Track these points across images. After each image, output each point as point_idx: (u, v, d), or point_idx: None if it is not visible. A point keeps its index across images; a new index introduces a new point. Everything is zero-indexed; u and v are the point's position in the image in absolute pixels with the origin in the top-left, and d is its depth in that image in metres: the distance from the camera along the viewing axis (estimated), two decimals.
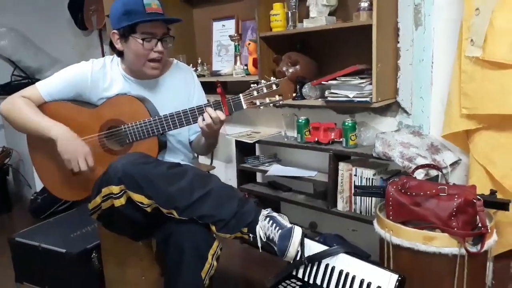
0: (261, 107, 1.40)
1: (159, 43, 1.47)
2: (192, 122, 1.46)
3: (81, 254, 1.90)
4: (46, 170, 1.62)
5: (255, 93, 1.39)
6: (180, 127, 1.47)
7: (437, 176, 1.73)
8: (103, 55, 3.58)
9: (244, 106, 1.40)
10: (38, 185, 3.13)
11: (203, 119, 1.41)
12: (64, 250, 1.91)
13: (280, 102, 1.40)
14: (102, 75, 1.55)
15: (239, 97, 1.40)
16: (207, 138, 1.57)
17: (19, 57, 3.54)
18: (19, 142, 3.24)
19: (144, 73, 1.52)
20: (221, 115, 1.40)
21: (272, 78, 1.41)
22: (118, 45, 1.50)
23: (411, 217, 1.43)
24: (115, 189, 1.33)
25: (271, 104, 1.40)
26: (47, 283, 2.03)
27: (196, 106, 1.44)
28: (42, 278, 2.04)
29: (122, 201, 1.34)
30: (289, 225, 1.33)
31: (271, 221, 1.34)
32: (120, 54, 1.54)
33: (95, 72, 1.54)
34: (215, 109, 1.41)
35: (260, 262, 2.22)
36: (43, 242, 1.99)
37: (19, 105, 1.50)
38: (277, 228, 1.32)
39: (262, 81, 1.40)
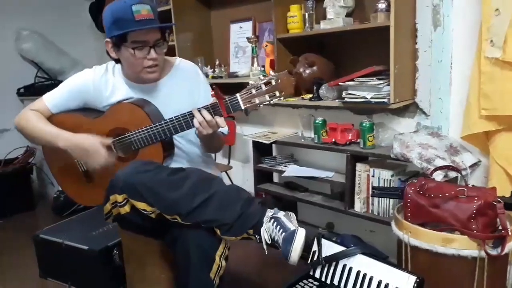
0: (260, 106, 1.32)
1: (152, 50, 1.42)
2: (192, 126, 1.40)
3: (102, 251, 1.95)
4: (64, 179, 1.66)
5: (253, 91, 1.30)
6: (180, 132, 1.43)
7: (456, 177, 1.72)
8: None
9: (243, 106, 1.32)
10: None
11: (197, 120, 1.36)
12: (86, 247, 1.96)
13: (281, 99, 1.32)
14: (104, 81, 1.54)
15: (236, 97, 1.32)
16: (203, 140, 1.52)
17: (42, 59, 3.62)
18: None
19: (143, 78, 1.50)
20: (219, 120, 1.35)
21: (270, 72, 1.35)
22: (113, 54, 1.48)
23: (430, 219, 1.42)
24: (119, 197, 1.35)
25: (271, 102, 1.31)
26: (69, 279, 2.09)
27: (197, 109, 1.37)
28: (65, 274, 2.10)
29: (126, 209, 1.36)
30: (292, 228, 1.30)
31: (275, 223, 1.32)
32: (118, 61, 1.52)
33: (97, 79, 1.53)
34: (214, 112, 1.35)
35: (275, 261, 2.22)
36: (66, 239, 2.05)
37: (29, 118, 1.52)
38: (281, 230, 1.30)
39: (260, 77, 1.34)
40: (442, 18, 1.78)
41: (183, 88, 1.58)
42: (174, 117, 1.40)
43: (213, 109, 1.35)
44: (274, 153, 2.53)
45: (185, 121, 1.40)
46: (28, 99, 3.52)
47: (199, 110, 1.36)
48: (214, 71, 2.66)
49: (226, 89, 1.77)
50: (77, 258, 2.00)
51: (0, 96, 3.52)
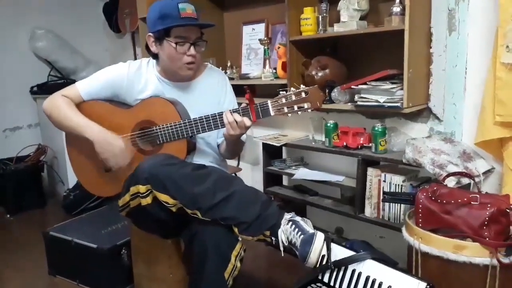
0: (289, 115, 1.40)
1: (192, 47, 1.51)
2: (220, 126, 1.47)
3: (111, 250, 1.96)
4: (81, 167, 1.68)
5: (283, 100, 1.39)
6: (208, 131, 1.50)
7: (469, 184, 1.69)
8: (135, 57, 3.68)
9: (272, 113, 1.40)
10: (71, 182, 3.24)
11: (227, 119, 1.42)
12: (95, 246, 1.97)
13: (309, 110, 1.39)
14: (138, 77, 1.60)
15: (267, 103, 1.40)
16: (230, 143, 1.58)
17: (56, 58, 3.67)
18: (54, 140, 3.37)
19: (179, 74, 1.56)
20: (247, 121, 1.41)
21: (301, 86, 1.39)
22: (153, 48, 1.55)
23: (441, 225, 1.40)
24: (142, 188, 1.37)
25: (299, 112, 1.39)
26: (78, 277, 2.10)
27: (225, 111, 1.45)
28: (74, 271, 2.12)
29: (148, 200, 1.38)
30: (311, 231, 1.32)
31: (293, 226, 1.33)
32: (155, 56, 1.58)
33: (131, 74, 1.59)
34: (243, 115, 1.42)
35: (284, 265, 2.22)
36: (75, 237, 2.06)
37: (60, 104, 1.57)
38: (299, 233, 1.31)
39: (292, 88, 1.39)
40: (457, 23, 1.77)
41: (211, 92, 1.66)
42: (204, 116, 1.47)
43: (243, 112, 1.42)
44: (284, 156, 2.52)
45: (214, 121, 1.46)
46: (41, 97, 3.56)
47: (230, 111, 1.43)
48: (225, 73, 2.66)
49: (236, 90, 1.78)
50: (86, 256, 2.02)
51: (13, 94, 3.58)
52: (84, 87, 1.60)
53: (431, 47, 1.85)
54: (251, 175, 2.86)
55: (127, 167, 1.51)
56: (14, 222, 3.12)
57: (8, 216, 3.18)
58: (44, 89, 3.55)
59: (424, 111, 1.93)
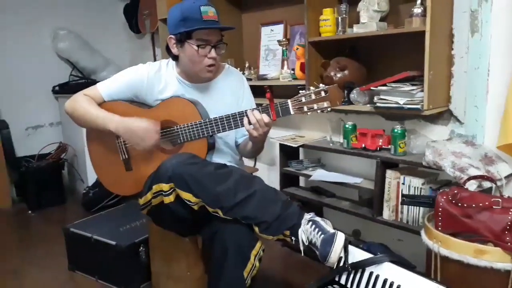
0: (308, 113, 1.40)
1: (212, 50, 1.52)
2: (240, 126, 1.49)
3: (129, 247, 1.99)
4: (101, 165, 1.71)
5: (303, 99, 1.40)
6: (228, 130, 1.51)
7: (491, 188, 1.66)
8: (155, 58, 3.72)
9: (292, 112, 1.41)
10: (90, 180, 3.30)
11: (249, 122, 1.44)
12: (114, 243, 2.00)
13: (328, 110, 1.40)
14: (158, 78, 1.62)
15: (287, 102, 1.41)
16: (254, 143, 1.60)
17: (77, 58, 3.74)
18: (75, 139, 3.44)
19: (199, 76, 1.58)
20: (266, 118, 1.43)
21: (321, 84, 1.40)
22: (174, 50, 1.56)
23: (462, 229, 1.39)
24: (165, 186, 1.40)
25: (318, 111, 1.40)
26: (97, 273, 2.14)
27: (245, 111, 1.47)
28: (93, 267, 2.15)
29: (171, 198, 1.41)
30: (332, 231, 1.32)
31: (313, 226, 1.34)
32: (175, 58, 1.60)
33: (151, 75, 1.61)
34: (262, 113, 1.43)
35: (300, 266, 2.22)
36: (95, 233, 2.10)
37: (81, 101, 1.60)
38: (320, 232, 1.32)
39: (311, 87, 1.40)
40: (480, 24, 1.74)
41: (230, 93, 1.68)
42: (224, 115, 1.48)
43: (263, 111, 1.44)
44: (301, 157, 2.52)
45: (234, 121, 1.48)
46: (62, 96, 3.64)
47: (251, 110, 1.44)
48: (243, 73, 2.67)
49: (254, 91, 1.79)
50: (105, 253, 2.05)
51: (35, 94, 3.67)
52: (105, 88, 1.63)
53: (452, 49, 1.82)
54: (268, 176, 2.86)
55: (148, 167, 1.53)
56: (35, 218, 3.19)
57: (30, 212, 3.26)
58: (65, 89, 3.63)
59: (445, 113, 1.91)
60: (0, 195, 3.30)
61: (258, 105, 1.55)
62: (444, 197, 1.43)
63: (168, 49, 1.59)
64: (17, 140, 3.49)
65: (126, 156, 1.63)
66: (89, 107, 1.58)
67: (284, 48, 2.44)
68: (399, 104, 1.78)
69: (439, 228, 1.42)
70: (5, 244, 2.70)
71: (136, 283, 2.03)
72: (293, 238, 1.36)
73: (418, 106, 1.74)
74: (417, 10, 1.75)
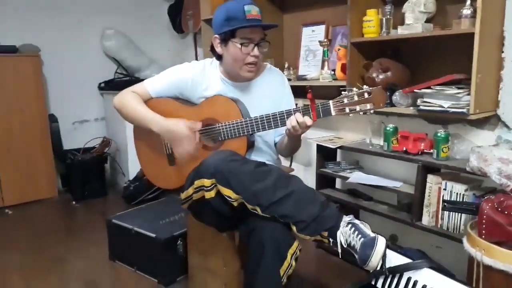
0: (350, 115, 1.39)
1: (255, 48, 1.55)
2: (280, 125, 1.50)
3: (168, 240, 2.04)
4: (146, 159, 1.78)
5: (345, 100, 1.38)
6: (268, 129, 1.53)
7: None
8: (196, 57, 3.80)
9: (333, 113, 1.40)
10: (131, 174, 3.41)
11: (291, 123, 1.45)
12: (154, 235, 2.07)
13: (371, 112, 1.38)
14: (202, 77, 1.66)
15: (329, 103, 1.41)
16: (291, 140, 1.62)
17: (122, 56, 3.87)
18: (118, 134, 3.57)
19: (241, 75, 1.61)
20: (308, 120, 1.43)
21: (364, 86, 1.38)
22: (218, 49, 1.60)
23: (507, 238, 1.33)
24: (206, 182, 1.43)
25: (361, 113, 1.38)
26: (135, 264, 2.21)
27: (285, 110, 1.48)
28: (132, 258, 2.23)
29: (212, 194, 1.44)
30: (372, 234, 1.31)
31: (353, 228, 1.33)
32: (219, 57, 1.64)
33: (196, 74, 1.66)
34: (303, 114, 1.44)
35: (334, 268, 2.21)
36: (136, 225, 2.17)
37: (129, 99, 1.67)
38: (359, 236, 1.31)
39: (354, 88, 1.38)
40: None
41: (270, 92, 1.70)
42: (264, 115, 1.50)
43: (303, 112, 1.44)
44: (338, 159, 2.50)
45: (274, 120, 1.49)
46: (108, 93, 3.78)
47: (294, 111, 1.45)
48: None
49: (293, 91, 1.80)
50: (144, 245, 2.12)
51: (82, 90, 3.82)
52: (152, 85, 1.69)
53: (502, 52, 1.76)
54: (303, 176, 2.83)
55: (191, 162, 1.57)
56: (79, 208, 3.34)
57: (74, 202, 3.41)
58: (111, 86, 3.76)
59: (492, 118, 1.84)
60: (48, 186, 3.47)
61: (296, 105, 1.56)
62: (489, 204, 1.38)
63: (212, 49, 1.63)
64: (65, 133, 3.64)
65: (170, 151, 1.68)
66: (136, 105, 1.65)
67: (325, 49, 2.43)
68: (444, 107, 1.74)
69: (483, 236, 1.38)
70: (51, 232, 2.84)
71: (173, 276, 2.09)
72: (331, 239, 1.36)
73: (464, 110, 1.69)
74: (466, 11, 1.70)
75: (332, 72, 2.37)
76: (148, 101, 1.68)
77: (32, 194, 3.39)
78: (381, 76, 1.97)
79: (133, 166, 3.42)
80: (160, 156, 1.70)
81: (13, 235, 2.79)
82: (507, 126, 1.80)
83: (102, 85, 3.85)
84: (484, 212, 1.38)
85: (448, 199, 1.78)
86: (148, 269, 2.15)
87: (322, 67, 2.46)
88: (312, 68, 2.66)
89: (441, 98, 1.75)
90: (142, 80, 1.77)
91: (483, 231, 1.38)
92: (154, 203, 2.67)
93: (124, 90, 1.72)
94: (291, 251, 1.40)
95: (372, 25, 2.03)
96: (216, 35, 1.58)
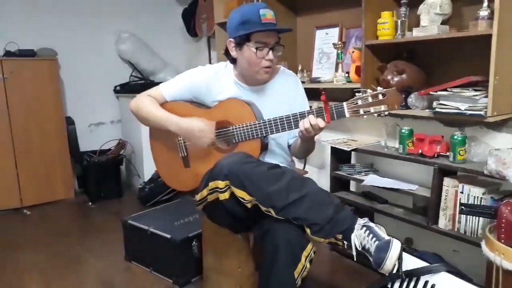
0: (364, 117, 1.39)
1: (270, 52, 1.55)
2: (293, 128, 1.51)
3: (183, 241, 2.06)
4: (162, 161, 1.80)
5: (359, 102, 1.38)
6: (281, 131, 1.53)
7: None
8: (210, 60, 3.83)
9: (347, 115, 1.40)
10: (147, 176, 3.45)
11: (303, 125, 1.45)
12: (169, 236, 2.09)
13: (386, 113, 1.37)
14: (216, 80, 1.68)
15: (342, 105, 1.40)
16: (304, 142, 1.62)
17: (137, 60, 3.93)
18: (133, 136, 3.62)
19: (255, 78, 1.62)
20: (320, 122, 1.43)
21: (378, 88, 1.38)
22: (233, 53, 1.61)
23: None
24: (221, 184, 1.44)
25: (375, 115, 1.38)
26: (151, 264, 2.24)
27: (299, 113, 1.48)
28: (147, 259, 2.26)
29: (226, 195, 1.45)
30: (387, 237, 1.31)
31: (367, 231, 1.33)
32: (233, 61, 1.65)
33: (210, 78, 1.68)
34: (317, 116, 1.44)
35: (348, 271, 2.20)
36: (151, 226, 2.20)
37: (145, 102, 1.70)
38: (374, 239, 1.30)
39: (368, 90, 1.38)
40: None
41: (284, 94, 1.71)
42: (278, 117, 1.51)
43: (317, 113, 1.44)
44: (352, 161, 2.49)
45: (287, 122, 1.50)
46: (123, 96, 3.84)
47: (307, 113, 1.46)
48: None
49: (306, 93, 1.80)
50: (160, 245, 2.14)
51: (98, 93, 3.89)
52: (167, 89, 1.72)
53: None
54: (317, 179, 2.85)
55: (205, 164, 1.59)
56: (95, 209, 3.39)
57: (90, 203, 3.47)
58: (126, 89, 3.82)
59: (510, 121, 1.81)
60: (65, 187, 3.54)
61: (310, 107, 1.56)
62: (509, 208, 1.36)
63: (227, 52, 1.64)
64: (81, 135, 3.70)
65: (185, 154, 1.70)
66: (152, 108, 1.67)
67: (339, 51, 2.43)
68: (460, 110, 1.72)
69: (502, 240, 1.36)
70: (68, 232, 2.90)
71: (188, 276, 2.11)
72: (345, 242, 1.36)
73: (481, 113, 1.67)
74: (483, 13, 1.69)
75: (346, 75, 2.37)
76: (163, 105, 1.71)
77: (49, 195, 3.46)
78: (396, 79, 1.96)
79: (148, 168, 3.46)
80: (175, 158, 1.72)
81: (31, 235, 2.85)
82: None
83: (118, 88, 3.91)
84: (503, 215, 1.36)
85: (466, 202, 1.76)
86: (163, 269, 2.18)
87: (336, 70, 2.46)
88: (326, 70, 2.66)
89: (457, 101, 1.73)
90: (157, 83, 1.79)
91: (502, 235, 1.36)
92: (169, 205, 2.69)
93: (140, 94, 1.75)
94: (305, 253, 1.40)
95: (387, 27, 2.02)
96: (231, 39, 1.59)
